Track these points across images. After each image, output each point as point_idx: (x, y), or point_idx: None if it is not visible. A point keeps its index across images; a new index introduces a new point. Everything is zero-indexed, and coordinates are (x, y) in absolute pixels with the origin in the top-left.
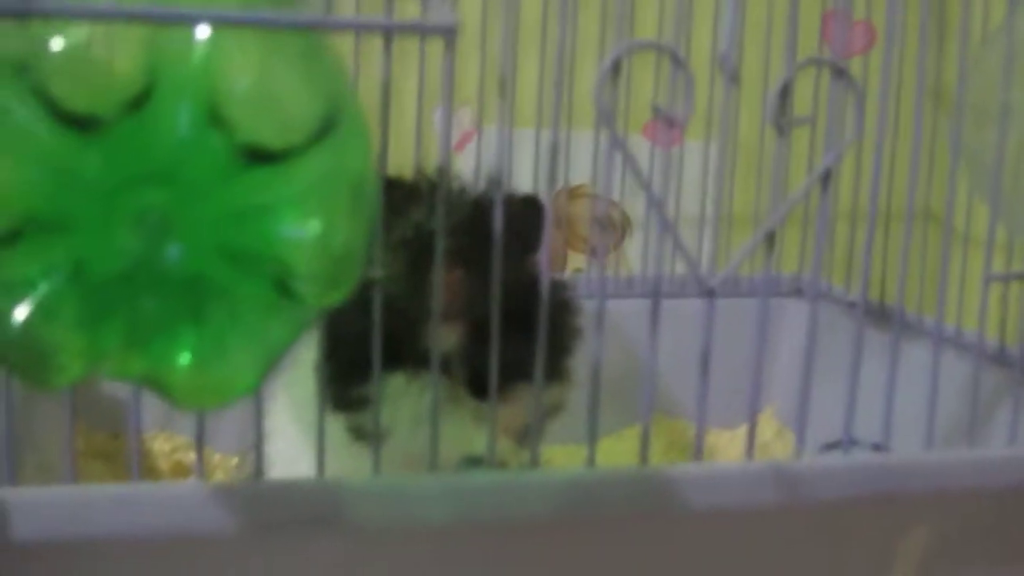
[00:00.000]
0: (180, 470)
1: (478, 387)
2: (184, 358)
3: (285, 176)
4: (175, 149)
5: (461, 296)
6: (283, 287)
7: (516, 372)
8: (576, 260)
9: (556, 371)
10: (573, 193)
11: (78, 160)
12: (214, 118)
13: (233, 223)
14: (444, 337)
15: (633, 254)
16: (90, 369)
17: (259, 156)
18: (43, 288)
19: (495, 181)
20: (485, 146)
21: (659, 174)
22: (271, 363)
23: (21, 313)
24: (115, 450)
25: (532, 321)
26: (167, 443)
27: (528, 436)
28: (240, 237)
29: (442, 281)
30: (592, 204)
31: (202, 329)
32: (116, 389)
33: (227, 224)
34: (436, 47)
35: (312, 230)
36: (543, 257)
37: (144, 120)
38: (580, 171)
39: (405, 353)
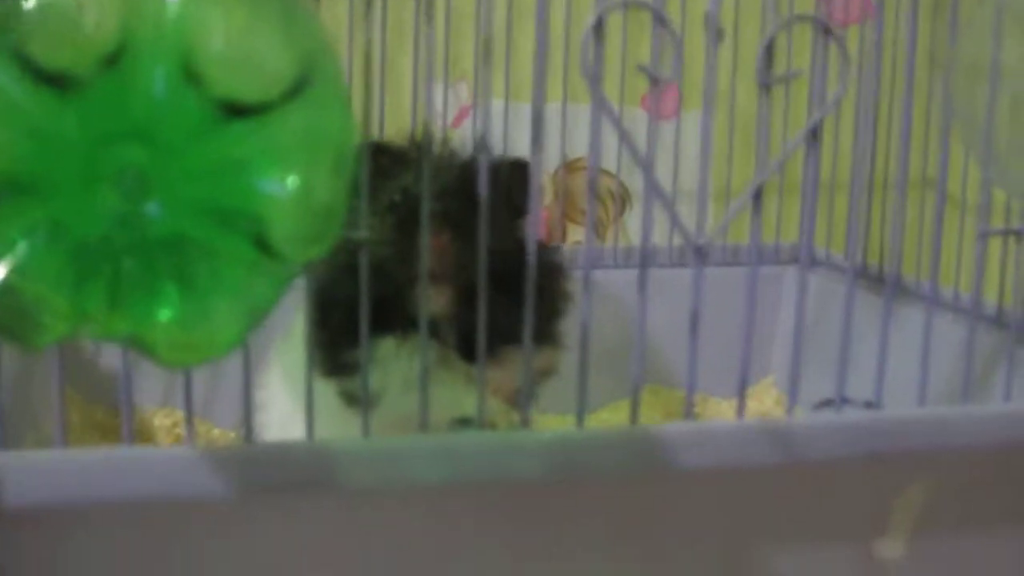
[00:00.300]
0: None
1: (468, 350)
2: (166, 316)
3: (262, 131)
4: (151, 106)
5: (449, 260)
6: (263, 244)
7: (506, 335)
8: (576, 233)
9: (546, 335)
10: (571, 166)
11: (55, 120)
12: (189, 74)
13: (211, 179)
14: (432, 301)
15: (633, 227)
16: (74, 329)
17: (235, 111)
18: (23, 249)
19: (482, 144)
20: (483, 120)
21: (662, 147)
22: (254, 320)
23: (0, 274)
24: (114, 424)
25: (521, 285)
26: (167, 418)
27: (520, 399)
28: (219, 193)
29: (429, 245)
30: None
31: (184, 287)
32: (115, 363)
33: (206, 181)
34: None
35: (291, 185)
36: (531, 220)
37: (120, 78)
38: (578, 144)
39: (394, 317)
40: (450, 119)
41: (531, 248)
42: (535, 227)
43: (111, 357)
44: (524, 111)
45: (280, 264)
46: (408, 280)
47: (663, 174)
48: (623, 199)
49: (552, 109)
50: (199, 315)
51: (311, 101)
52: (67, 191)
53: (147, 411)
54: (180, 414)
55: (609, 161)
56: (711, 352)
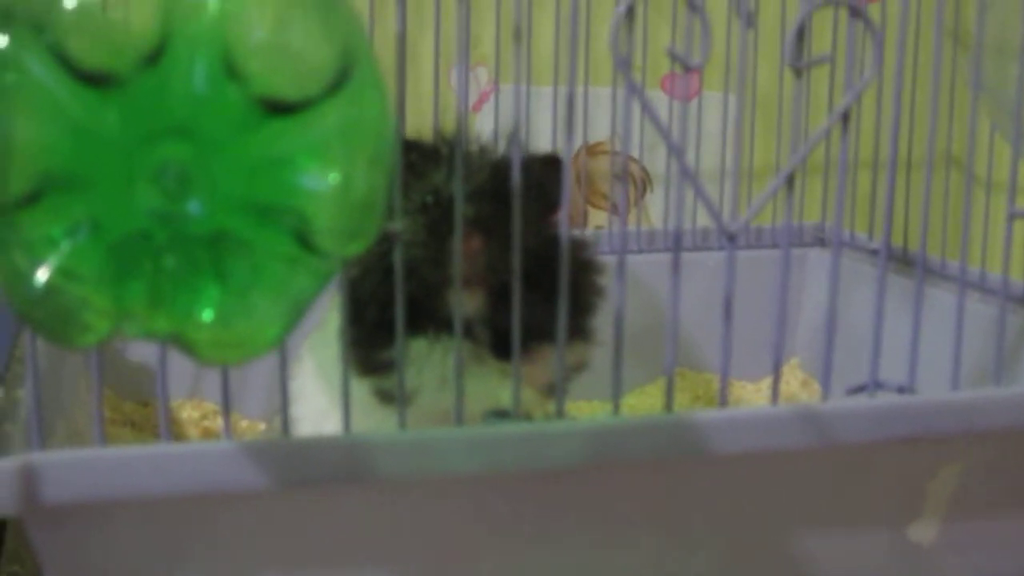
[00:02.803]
0: (209, 436)
1: (501, 349)
2: (208, 314)
3: (302, 127)
4: (192, 103)
5: (481, 263)
6: (304, 239)
7: (539, 332)
8: (597, 217)
9: (579, 330)
10: (592, 150)
11: (97, 118)
12: (230, 70)
13: (252, 175)
14: (465, 303)
15: (654, 209)
16: (115, 328)
17: (276, 107)
18: (65, 247)
19: (514, 142)
20: (503, 104)
21: (678, 125)
22: (296, 316)
23: (44, 273)
24: (144, 418)
25: (553, 282)
26: (196, 410)
27: (553, 392)
28: (260, 190)
29: (462, 248)
30: (611, 160)
31: (225, 284)
32: (145, 357)
33: (247, 177)
34: (451, 4)
35: (331, 180)
36: (563, 216)
37: (160, 75)
38: (599, 128)
39: (427, 318)
40: (470, 103)
41: (564, 245)
42: (567, 224)
43: (139, 351)
44: (545, 95)
45: (320, 259)
46: (440, 282)
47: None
48: (644, 182)
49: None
50: (240, 312)
51: (350, 95)
52: (108, 189)
53: (175, 403)
54: (208, 406)
55: (631, 143)
56: (735, 334)
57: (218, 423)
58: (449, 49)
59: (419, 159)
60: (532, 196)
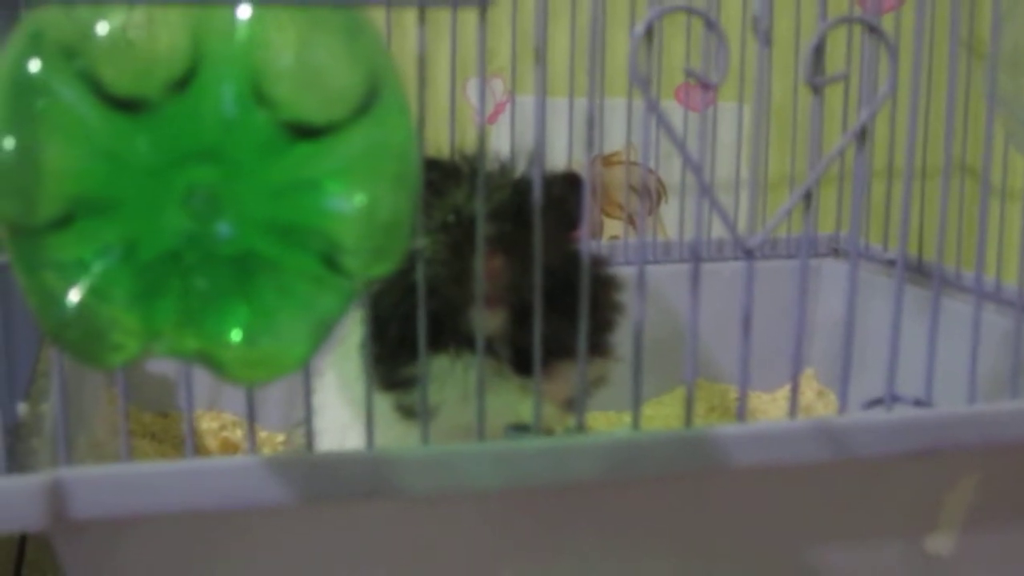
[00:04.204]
0: (228, 447)
1: (522, 366)
2: (236, 334)
3: (329, 150)
4: (221, 127)
5: (503, 282)
6: (330, 260)
7: (559, 349)
8: (612, 227)
9: (597, 346)
10: (607, 160)
11: (127, 142)
12: (258, 96)
13: (280, 198)
14: (487, 321)
15: (669, 219)
16: (144, 347)
17: (303, 131)
18: (96, 269)
19: (535, 163)
20: (518, 116)
21: (694, 138)
22: (321, 335)
23: (75, 294)
24: (163, 429)
25: (573, 299)
26: (214, 421)
27: (573, 406)
28: (287, 212)
29: (484, 268)
30: (626, 171)
31: (252, 304)
32: (163, 368)
33: (274, 199)
34: (467, 17)
35: (357, 203)
36: (584, 234)
37: (190, 100)
38: (614, 138)
39: (449, 334)
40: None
41: (585, 263)
42: (587, 242)
43: (158, 363)
44: (560, 107)
45: (346, 280)
46: (462, 301)
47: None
48: (658, 192)
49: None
50: (267, 331)
51: (376, 118)
52: (138, 211)
53: (194, 414)
54: (227, 417)
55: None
56: (740, 343)
57: (237, 434)
58: (465, 61)
59: (439, 178)
60: (552, 214)
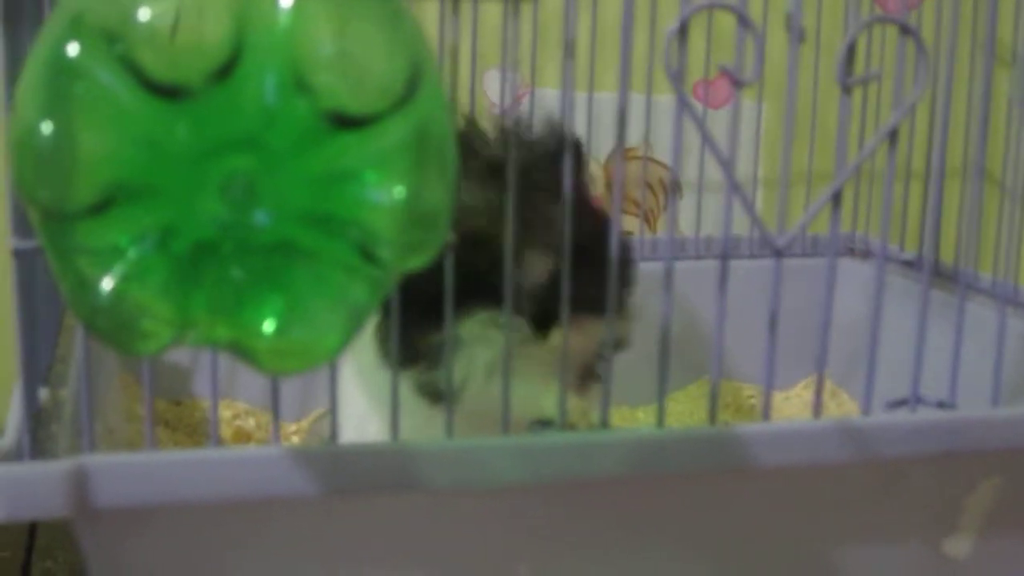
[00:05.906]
0: (241, 436)
1: (545, 325)
2: (269, 324)
3: (369, 141)
4: (261, 116)
5: (557, 227)
6: (366, 251)
7: (587, 303)
8: (627, 223)
9: (622, 306)
10: (625, 156)
11: (166, 129)
12: (299, 85)
13: (318, 188)
14: (539, 264)
15: (684, 215)
16: (177, 336)
17: (344, 121)
18: (132, 256)
19: (555, 128)
20: (537, 107)
21: (722, 136)
22: (354, 326)
23: (109, 282)
24: (177, 417)
25: (602, 256)
26: (228, 410)
27: (590, 377)
28: (325, 202)
29: (538, 213)
30: (643, 167)
31: (287, 294)
32: (177, 356)
33: (312, 189)
34: (489, 8)
35: (396, 194)
36: (617, 194)
37: (231, 88)
38: (631, 133)
39: (482, 295)
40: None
41: (616, 229)
42: (618, 214)
43: (173, 351)
44: (579, 100)
45: (380, 270)
46: (519, 246)
47: (716, 163)
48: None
49: (606, 98)
50: (301, 321)
51: (415, 110)
52: (176, 199)
53: (207, 402)
54: (240, 405)
55: (660, 149)
56: (762, 342)
57: (250, 422)
58: (485, 52)
59: (473, 135)
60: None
